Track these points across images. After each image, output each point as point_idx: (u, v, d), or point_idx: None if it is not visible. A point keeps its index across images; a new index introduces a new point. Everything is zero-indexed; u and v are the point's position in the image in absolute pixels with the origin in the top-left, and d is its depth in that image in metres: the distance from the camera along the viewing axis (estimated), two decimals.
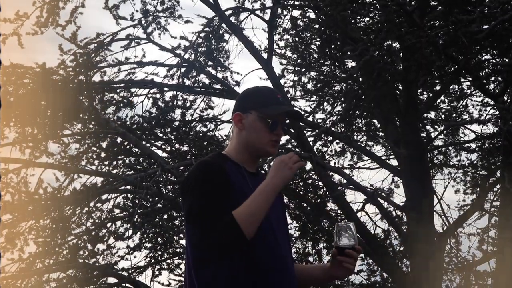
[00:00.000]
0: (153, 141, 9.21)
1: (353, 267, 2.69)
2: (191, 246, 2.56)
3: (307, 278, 2.88)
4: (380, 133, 9.94)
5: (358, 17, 8.59)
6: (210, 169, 2.61)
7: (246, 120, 2.73)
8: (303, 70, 9.74)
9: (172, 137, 9.25)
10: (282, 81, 9.19)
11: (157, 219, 8.37)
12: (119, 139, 8.87)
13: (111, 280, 8.44)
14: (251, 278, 2.52)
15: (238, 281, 2.51)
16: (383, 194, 8.23)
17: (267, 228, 2.59)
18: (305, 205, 8.76)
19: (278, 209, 2.77)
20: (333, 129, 9.07)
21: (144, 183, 7.13)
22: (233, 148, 2.76)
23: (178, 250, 9.07)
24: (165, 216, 8.61)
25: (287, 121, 2.84)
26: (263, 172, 2.64)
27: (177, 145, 9.23)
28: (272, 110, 2.71)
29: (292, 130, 8.33)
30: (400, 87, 8.65)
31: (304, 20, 9.50)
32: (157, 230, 8.58)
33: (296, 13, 9.51)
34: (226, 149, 2.81)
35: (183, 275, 8.82)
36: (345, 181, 7.77)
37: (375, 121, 9.80)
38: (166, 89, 9.41)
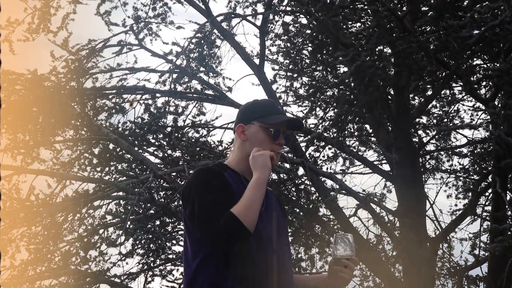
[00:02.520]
0: (145, 147, 9.19)
1: (349, 277, 2.72)
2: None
3: None
4: (372, 138, 9.96)
5: (350, 23, 8.61)
6: (211, 173, 2.67)
7: (249, 131, 2.78)
8: (295, 75, 9.75)
9: (164, 143, 9.24)
10: (274, 86, 9.21)
11: (149, 226, 8.34)
12: (111, 146, 8.85)
13: (104, 286, 8.42)
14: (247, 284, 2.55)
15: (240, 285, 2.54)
16: (375, 199, 8.23)
17: (265, 239, 2.63)
18: (297, 210, 8.75)
19: (279, 219, 2.79)
20: (325, 134, 9.08)
21: (136, 189, 7.12)
22: (234, 158, 2.81)
23: (170, 256, 9.05)
24: (158, 222, 8.58)
25: (288, 132, 2.87)
26: None
27: (169, 151, 9.21)
28: (274, 119, 2.77)
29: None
30: (392, 92, 8.67)
31: (296, 25, 9.52)
32: (150, 236, 8.54)
33: (287, 18, 9.54)
34: (227, 160, 2.85)
35: (177, 281, 8.85)
36: (337, 186, 7.78)
37: (367, 126, 9.82)
38: (158, 95, 9.40)
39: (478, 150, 9.96)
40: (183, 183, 7.30)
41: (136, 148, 8.73)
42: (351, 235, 2.76)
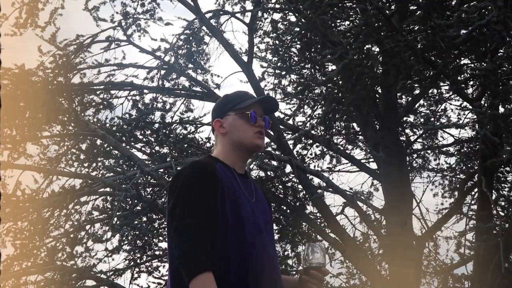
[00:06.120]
0: (132, 143, 9.19)
1: (316, 287, 2.73)
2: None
3: None
4: (360, 137, 9.99)
5: (338, 21, 8.63)
6: (201, 170, 2.61)
7: (226, 123, 2.78)
8: (283, 73, 9.77)
9: (152, 139, 9.23)
10: (262, 84, 9.21)
11: (136, 222, 8.34)
12: (98, 141, 8.84)
13: (90, 282, 8.40)
14: (243, 277, 2.51)
15: (229, 280, 2.49)
16: (362, 197, 8.27)
17: (256, 231, 2.61)
18: (284, 208, 8.78)
19: (266, 212, 2.80)
20: (313, 132, 9.10)
21: (123, 186, 7.11)
22: (220, 152, 2.78)
23: (157, 252, 9.05)
24: (144, 219, 8.58)
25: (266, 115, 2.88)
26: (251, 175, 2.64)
27: (157, 147, 9.21)
28: (247, 103, 2.79)
29: (272, 133, 8.35)
30: (379, 91, 8.70)
31: (285, 23, 9.53)
32: (136, 232, 8.54)
33: (276, 16, 9.55)
34: (213, 153, 2.82)
35: (163, 277, 8.85)
36: (324, 184, 7.79)
37: (354, 124, 9.85)
38: (146, 91, 9.39)
39: (465, 149, 10.02)
40: (170, 179, 7.29)
41: (123, 144, 8.72)
42: (324, 244, 2.79)
